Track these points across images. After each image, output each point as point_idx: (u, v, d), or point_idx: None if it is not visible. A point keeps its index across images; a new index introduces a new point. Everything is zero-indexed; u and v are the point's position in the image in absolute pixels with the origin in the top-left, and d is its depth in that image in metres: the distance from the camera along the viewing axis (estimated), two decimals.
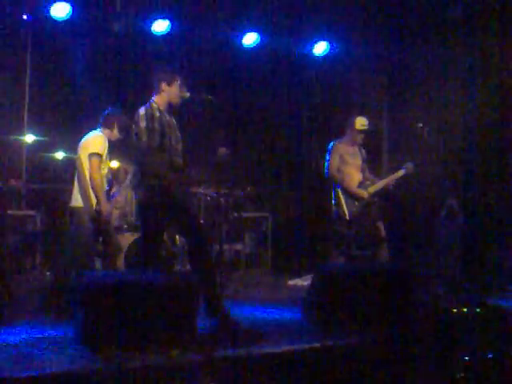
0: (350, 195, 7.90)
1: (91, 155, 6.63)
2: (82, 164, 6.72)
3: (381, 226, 7.94)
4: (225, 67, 10.54)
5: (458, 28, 9.37)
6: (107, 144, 6.80)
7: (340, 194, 7.89)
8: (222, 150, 6.14)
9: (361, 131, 8.04)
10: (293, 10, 10.03)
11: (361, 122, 8.03)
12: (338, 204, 7.90)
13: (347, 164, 8.01)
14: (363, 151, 8.18)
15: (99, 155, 6.66)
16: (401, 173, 8.01)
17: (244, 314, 6.44)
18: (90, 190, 6.63)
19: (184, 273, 7.61)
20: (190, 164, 6.28)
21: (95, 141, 6.76)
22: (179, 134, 6.16)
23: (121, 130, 6.92)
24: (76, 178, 6.80)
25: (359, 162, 8.11)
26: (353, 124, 8.04)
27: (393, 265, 7.74)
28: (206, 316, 5.80)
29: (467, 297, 7.30)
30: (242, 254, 10.07)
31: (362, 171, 8.12)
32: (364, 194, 7.92)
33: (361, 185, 7.99)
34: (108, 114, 6.96)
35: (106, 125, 6.92)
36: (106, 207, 6.61)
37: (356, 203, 7.89)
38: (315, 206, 10.95)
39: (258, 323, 6.15)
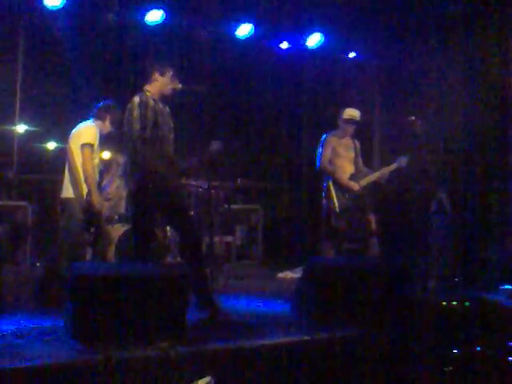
0: (341, 187, 7.89)
1: (83, 145, 6.62)
2: (72, 154, 6.71)
3: (372, 219, 7.95)
4: (218, 58, 10.51)
5: (453, 24, 9.38)
6: (99, 135, 6.79)
7: (331, 186, 7.88)
8: (215, 144, 6.13)
9: (349, 121, 8.03)
10: (287, 1, 10.00)
11: (349, 113, 8.03)
12: (329, 196, 7.89)
13: (339, 156, 8.01)
14: (357, 144, 8.18)
15: (91, 145, 6.65)
16: (393, 166, 8.02)
17: (234, 307, 6.46)
18: (82, 181, 6.62)
19: (175, 265, 7.61)
20: (182, 154, 6.26)
21: (87, 131, 6.75)
22: (172, 124, 6.15)
23: (113, 123, 6.91)
24: (67, 169, 6.78)
25: (352, 154, 8.11)
26: (342, 115, 8.05)
27: (383, 258, 7.76)
28: (197, 308, 5.80)
29: (457, 291, 7.33)
30: (232, 247, 10.08)
31: (355, 164, 8.12)
32: (355, 185, 7.92)
33: (352, 177, 7.99)
34: (102, 106, 6.95)
35: (99, 116, 6.91)
36: (97, 198, 6.60)
37: (346, 195, 7.89)
38: (306, 199, 10.97)
39: (248, 316, 6.17)
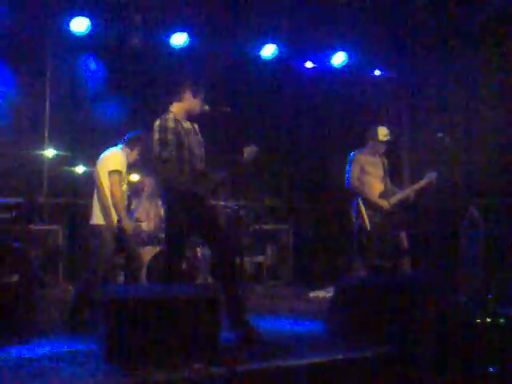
0: (371, 205, 7.85)
1: (111, 172, 6.65)
2: (100, 180, 6.73)
3: (403, 236, 7.89)
4: (244, 79, 10.55)
5: (480, 37, 9.35)
6: (126, 161, 6.82)
7: (361, 204, 7.84)
8: (250, 150, 6.11)
9: (383, 142, 8.01)
10: (310, 22, 10.02)
11: (383, 133, 8.00)
12: (359, 214, 7.85)
13: (368, 174, 7.97)
14: (385, 161, 8.14)
15: (119, 172, 6.68)
16: (423, 182, 7.95)
17: (266, 327, 6.41)
18: (111, 206, 6.64)
19: (206, 285, 7.60)
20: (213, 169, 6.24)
21: (115, 157, 6.79)
22: (201, 139, 6.15)
23: (140, 155, 6.95)
24: (95, 194, 6.82)
25: (381, 172, 8.07)
26: (375, 135, 8.00)
27: (415, 276, 7.68)
28: (230, 329, 5.78)
29: (491, 307, 7.23)
30: (263, 267, 10.06)
31: (384, 182, 8.07)
32: (385, 203, 7.87)
33: (382, 195, 7.94)
34: (132, 137, 6.98)
35: (128, 145, 6.95)
36: (127, 224, 6.63)
37: (377, 213, 7.84)
38: (336, 218, 10.92)
39: (280, 336, 6.14)
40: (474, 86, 9.46)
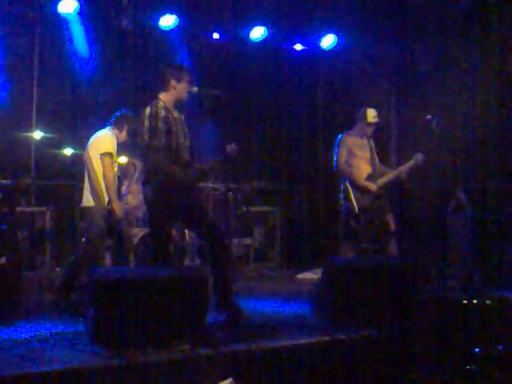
0: (359, 188, 7.86)
1: (103, 155, 6.67)
2: (91, 163, 6.74)
3: (390, 219, 7.91)
4: (232, 62, 10.53)
5: (465, 22, 9.35)
6: (116, 143, 6.82)
7: (349, 187, 7.85)
8: (230, 149, 6.12)
9: (372, 123, 8.01)
10: (300, 3, 10.00)
11: (371, 115, 7.98)
12: (347, 197, 7.86)
13: (356, 157, 7.97)
14: (372, 143, 8.13)
15: (111, 154, 6.70)
16: (411, 163, 7.95)
17: (253, 309, 6.45)
18: (103, 189, 6.65)
19: (194, 267, 7.62)
20: (199, 157, 6.27)
21: (105, 140, 6.80)
22: (186, 130, 6.15)
23: (129, 134, 6.94)
24: (86, 177, 6.82)
25: (368, 154, 8.07)
26: (363, 116, 7.99)
27: (402, 258, 7.72)
28: (217, 310, 5.81)
29: (477, 289, 7.28)
30: (251, 249, 10.07)
31: (372, 163, 8.06)
32: (372, 186, 7.88)
33: (370, 177, 7.95)
34: (120, 116, 6.99)
35: (117, 125, 6.95)
36: (118, 206, 6.64)
37: (364, 196, 7.86)
38: (324, 199, 10.95)
39: (267, 317, 6.18)
40: (465, 68, 9.46)
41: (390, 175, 8.01)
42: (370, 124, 8.00)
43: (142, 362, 4.45)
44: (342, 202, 7.98)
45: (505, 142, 9.04)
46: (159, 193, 5.83)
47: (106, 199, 6.64)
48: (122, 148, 7.13)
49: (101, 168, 6.66)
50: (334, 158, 8.01)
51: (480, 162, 9.17)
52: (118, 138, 6.90)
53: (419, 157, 7.90)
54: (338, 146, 8.00)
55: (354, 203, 7.80)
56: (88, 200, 6.75)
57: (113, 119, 6.97)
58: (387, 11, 9.97)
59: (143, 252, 8.04)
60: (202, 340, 4.89)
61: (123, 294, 4.91)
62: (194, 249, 8.72)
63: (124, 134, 6.97)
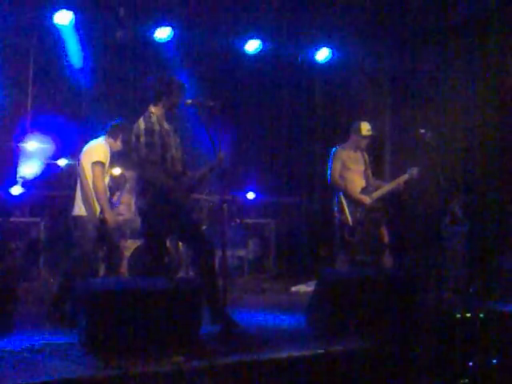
0: (353, 201, 7.88)
1: (94, 164, 6.65)
2: (84, 172, 6.73)
3: (384, 231, 7.93)
4: (227, 74, 10.55)
5: (458, 32, 9.38)
6: (109, 153, 6.82)
7: (343, 200, 7.87)
8: (221, 157, 6.12)
9: (366, 137, 8.03)
10: (294, 17, 10.02)
11: (366, 128, 8.02)
12: (341, 210, 7.88)
13: (349, 170, 8.00)
14: (366, 156, 8.17)
15: (102, 163, 6.68)
16: (405, 177, 7.98)
17: (247, 320, 6.43)
18: (94, 198, 6.64)
19: (187, 279, 7.61)
20: (192, 170, 6.29)
21: (98, 149, 6.79)
22: (179, 140, 6.17)
23: (124, 143, 6.94)
24: (78, 186, 6.81)
25: (362, 167, 8.10)
26: (357, 130, 8.03)
27: (396, 270, 7.73)
28: (210, 322, 5.80)
29: (472, 302, 7.29)
30: (245, 260, 10.06)
31: (365, 177, 8.10)
32: (366, 199, 7.90)
33: (363, 190, 7.98)
34: (115, 125, 6.99)
35: (111, 135, 6.95)
36: (110, 215, 6.62)
37: (359, 209, 7.87)
38: (318, 212, 10.95)
39: (261, 329, 6.17)
40: (458, 81, 9.49)
41: (384, 188, 8.04)
42: (364, 137, 8.03)
43: (135, 373, 4.42)
44: (336, 214, 7.99)
45: (498, 154, 9.06)
46: (155, 205, 5.85)
47: (98, 209, 6.62)
48: (115, 158, 7.13)
49: (92, 177, 6.66)
50: (328, 172, 8.03)
51: (473, 174, 9.19)
52: (112, 148, 6.90)
53: (414, 171, 7.93)
54: (332, 160, 8.02)
55: (348, 216, 7.82)
56: (80, 209, 6.73)
57: (107, 128, 6.98)
58: (381, 24, 10.01)
59: (137, 264, 8.04)
60: (195, 351, 4.88)
61: (117, 305, 4.92)
62: (187, 260, 8.71)
63: (119, 143, 6.97)
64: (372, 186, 8.06)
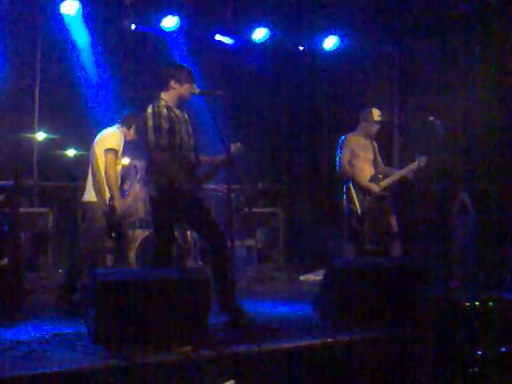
0: (362, 190, 7.85)
1: (107, 151, 6.66)
2: (96, 159, 6.74)
3: (393, 220, 7.90)
4: (234, 63, 10.53)
5: (466, 22, 9.33)
6: (123, 141, 6.82)
7: (352, 188, 7.84)
8: (235, 147, 6.09)
9: (378, 122, 7.98)
10: (302, 5, 9.98)
11: (377, 113, 7.97)
12: (350, 199, 7.85)
13: (358, 158, 7.96)
14: (375, 144, 8.13)
15: (115, 151, 6.69)
16: (413, 166, 7.93)
17: (256, 310, 6.43)
18: (105, 185, 6.64)
19: (196, 269, 7.61)
20: (203, 157, 6.26)
21: (112, 136, 6.80)
22: (191, 129, 6.14)
23: (137, 131, 6.93)
24: (90, 173, 6.81)
25: (371, 155, 8.06)
26: (369, 116, 7.96)
27: (405, 260, 7.70)
28: (219, 312, 5.80)
29: (480, 291, 7.26)
30: (253, 250, 10.05)
31: (375, 165, 8.06)
32: (375, 188, 7.87)
33: (373, 179, 7.94)
34: (128, 114, 7.00)
35: (124, 123, 6.96)
36: (119, 203, 6.61)
37: (367, 198, 7.84)
38: (327, 201, 10.92)
39: (270, 319, 6.16)
40: (467, 67, 9.44)
41: (393, 177, 7.99)
42: (376, 122, 7.97)
43: (143, 363, 4.44)
44: (344, 203, 7.97)
45: (505, 142, 9.01)
46: (163, 192, 5.83)
47: (108, 196, 6.62)
48: (126, 148, 7.13)
49: (104, 164, 6.65)
50: (337, 160, 7.99)
51: (481, 162, 9.14)
52: (125, 137, 6.91)
53: (422, 159, 7.88)
54: (341, 148, 7.98)
55: (357, 205, 7.79)
56: (90, 195, 6.74)
57: (121, 117, 6.98)
58: (389, 12, 9.95)
59: (146, 253, 8.04)
60: (203, 341, 4.88)
61: (125, 295, 4.92)
62: (196, 250, 8.71)
63: (132, 132, 6.97)
64: (381, 174, 8.01)
